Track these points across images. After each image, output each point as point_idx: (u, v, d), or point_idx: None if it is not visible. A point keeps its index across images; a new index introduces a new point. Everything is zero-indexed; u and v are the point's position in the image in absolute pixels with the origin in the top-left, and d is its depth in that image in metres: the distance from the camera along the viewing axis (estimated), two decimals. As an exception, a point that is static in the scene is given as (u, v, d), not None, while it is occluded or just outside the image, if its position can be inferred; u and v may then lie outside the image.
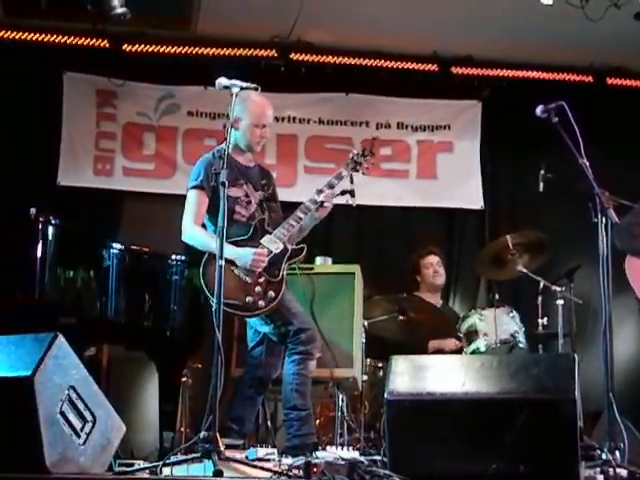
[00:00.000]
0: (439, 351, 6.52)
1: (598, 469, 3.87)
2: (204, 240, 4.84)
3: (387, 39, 7.66)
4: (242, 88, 4.41)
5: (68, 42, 7.43)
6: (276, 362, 5.04)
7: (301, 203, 5.07)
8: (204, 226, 4.97)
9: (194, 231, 4.91)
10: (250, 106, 4.96)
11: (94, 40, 7.44)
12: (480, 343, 6.09)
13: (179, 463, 3.89)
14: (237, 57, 7.66)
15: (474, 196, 8.00)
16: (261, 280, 4.82)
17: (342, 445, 5.19)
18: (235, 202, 4.94)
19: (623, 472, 3.88)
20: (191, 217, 4.93)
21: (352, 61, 7.87)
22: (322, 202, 5.01)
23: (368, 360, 6.03)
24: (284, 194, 5.39)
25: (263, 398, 5.27)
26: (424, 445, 3.73)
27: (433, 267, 6.97)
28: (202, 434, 3.82)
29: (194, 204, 4.94)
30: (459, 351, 6.33)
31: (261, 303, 4.78)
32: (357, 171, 5.25)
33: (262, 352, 5.03)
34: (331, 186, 5.10)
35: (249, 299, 4.76)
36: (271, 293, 4.81)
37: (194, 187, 4.95)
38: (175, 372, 5.48)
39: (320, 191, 5.05)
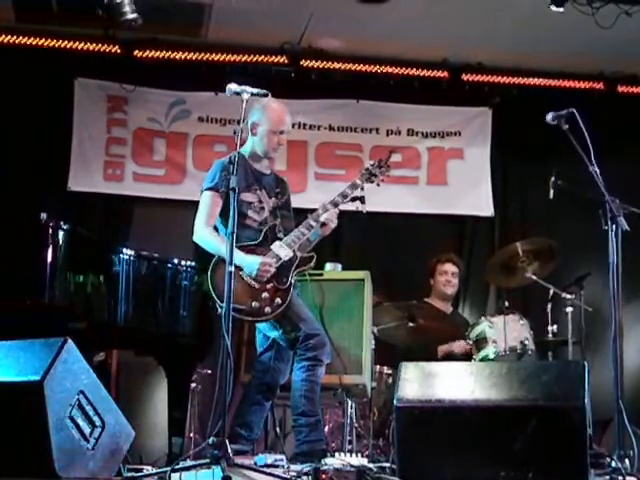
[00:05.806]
0: (448, 354, 6.51)
1: (607, 477, 3.87)
2: (214, 243, 4.85)
3: (397, 46, 7.66)
4: (252, 94, 4.42)
5: (79, 48, 7.44)
6: (284, 368, 5.03)
7: (310, 209, 5.07)
8: (216, 229, 4.98)
9: (205, 233, 4.92)
10: (269, 112, 5.00)
11: (105, 46, 7.46)
12: (489, 350, 6.09)
13: (188, 469, 3.89)
14: (248, 63, 7.68)
15: (484, 203, 8.00)
16: (269, 286, 4.81)
17: (351, 452, 5.18)
18: (248, 207, 4.96)
19: (633, 480, 3.88)
20: (203, 218, 4.94)
21: (362, 68, 7.88)
22: (323, 223, 4.99)
23: (377, 367, 6.04)
24: (294, 200, 5.37)
25: (272, 404, 5.27)
26: (433, 452, 3.73)
27: (447, 276, 6.93)
28: (211, 440, 3.82)
29: (207, 205, 4.96)
30: (468, 353, 6.33)
31: (267, 309, 4.78)
32: (372, 182, 5.26)
33: (271, 357, 5.02)
34: (345, 196, 5.10)
35: (255, 304, 4.76)
36: (278, 300, 4.80)
37: (208, 189, 4.96)
38: (184, 378, 5.47)
39: (334, 202, 5.04)
